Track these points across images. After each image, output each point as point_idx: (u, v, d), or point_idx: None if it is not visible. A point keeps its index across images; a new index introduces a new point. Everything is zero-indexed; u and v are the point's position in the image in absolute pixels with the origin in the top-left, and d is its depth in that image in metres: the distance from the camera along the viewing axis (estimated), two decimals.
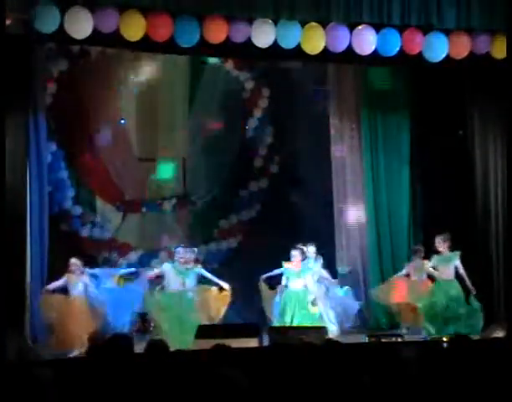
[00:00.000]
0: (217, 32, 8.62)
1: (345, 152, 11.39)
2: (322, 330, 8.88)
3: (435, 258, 9.94)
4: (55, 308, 9.23)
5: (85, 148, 11.44)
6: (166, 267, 9.82)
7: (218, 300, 9.68)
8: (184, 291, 9.63)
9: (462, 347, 4.91)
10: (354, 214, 11.36)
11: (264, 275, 9.90)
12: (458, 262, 9.76)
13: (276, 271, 9.92)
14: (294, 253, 9.80)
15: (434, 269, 9.94)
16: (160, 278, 9.94)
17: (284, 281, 9.86)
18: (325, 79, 11.71)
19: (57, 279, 9.43)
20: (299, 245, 9.97)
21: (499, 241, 10.01)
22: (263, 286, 9.92)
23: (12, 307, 8.45)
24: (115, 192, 11.70)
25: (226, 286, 9.68)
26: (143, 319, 10.26)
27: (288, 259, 9.87)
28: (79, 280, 9.37)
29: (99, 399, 4.16)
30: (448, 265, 9.80)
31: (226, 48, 8.99)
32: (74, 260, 9.47)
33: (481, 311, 9.55)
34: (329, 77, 11.53)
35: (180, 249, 9.87)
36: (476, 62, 9.38)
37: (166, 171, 12.02)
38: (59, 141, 11.01)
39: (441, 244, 9.87)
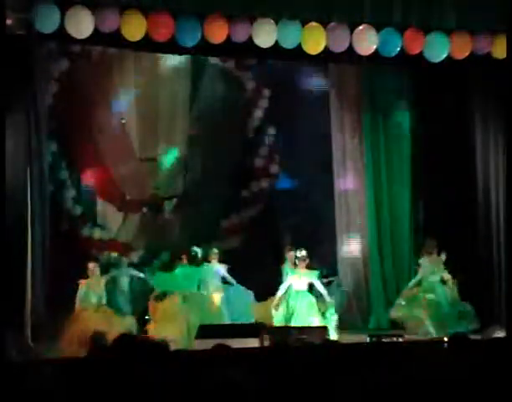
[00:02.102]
0: (218, 32, 8.61)
1: (345, 151, 11.38)
2: (322, 330, 8.88)
3: (423, 260, 10.09)
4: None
5: (85, 148, 11.44)
6: None
7: None
8: None
9: (462, 347, 4.91)
10: (354, 215, 11.36)
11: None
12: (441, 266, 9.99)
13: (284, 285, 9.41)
14: (303, 253, 9.37)
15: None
16: None
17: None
18: (325, 79, 11.71)
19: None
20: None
21: (500, 241, 10.00)
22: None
23: (13, 307, 8.44)
24: (116, 192, 11.71)
25: None
26: None
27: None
28: (96, 288, 9.37)
29: (100, 399, 4.16)
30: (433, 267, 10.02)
31: (227, 48, 8.99)
32: (91, 266, 9.46)
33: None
34: (329, 77, 11.52)
35: None
36: (477, 62, 9.38)
37: (166, 170, 12.01)
38: (59, 141, 11.01)
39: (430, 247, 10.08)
